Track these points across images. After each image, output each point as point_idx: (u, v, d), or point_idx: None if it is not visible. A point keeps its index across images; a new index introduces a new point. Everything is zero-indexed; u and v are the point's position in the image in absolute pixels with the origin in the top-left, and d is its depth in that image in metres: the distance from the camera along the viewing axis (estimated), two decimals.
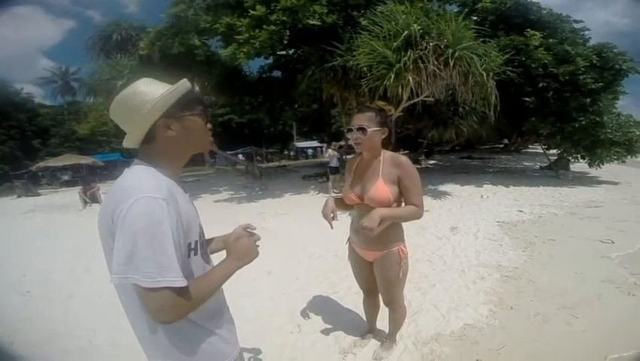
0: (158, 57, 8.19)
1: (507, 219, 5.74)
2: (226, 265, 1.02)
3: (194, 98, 1.02)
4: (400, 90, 5.75)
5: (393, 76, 5.45)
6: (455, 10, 8.77)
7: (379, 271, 1.81)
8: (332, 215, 1.67)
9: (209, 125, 1.04)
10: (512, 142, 18.58)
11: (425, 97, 7.00)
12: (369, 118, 1.64)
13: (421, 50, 5.60)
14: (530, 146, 18.63)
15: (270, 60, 12.19)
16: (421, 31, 5.74)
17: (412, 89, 6.14)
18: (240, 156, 19.24)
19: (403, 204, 1.69)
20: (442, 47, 5.71)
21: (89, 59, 11.19)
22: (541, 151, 12.82)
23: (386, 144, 1.72)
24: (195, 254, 0.98)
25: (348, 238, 1.94)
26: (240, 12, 7.74)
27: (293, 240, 5.04)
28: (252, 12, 7.24)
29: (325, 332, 2.41)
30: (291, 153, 30.77)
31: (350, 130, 1.67)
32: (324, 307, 2.79)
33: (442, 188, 8.98)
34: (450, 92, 7.37)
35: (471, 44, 5.98)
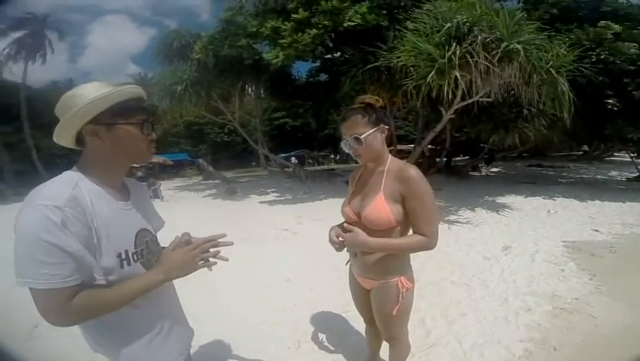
0: (213, 62, 8.75)
1: (577, 240, 4.86)
2: (149, 276, 0.97)
3: (134, 106, 0.98)
4: (446, 88, 5.22)
5: (434, 73, 4.96)
6: (519, 6, 7.85)
7: (375, 303, 1.53)
8: (338, 240, 1.39)
9: (153, 136, 1.02)
10: (593, 149, 16.11)
11: (481, 97, 6.33)
12: (357, 123, 1.33)
13: (469, 44, 5.02)
14: (616, 153, 15.99)
15: (318, 63, 12.29)
16: (467, 23, 5.16)
17: (463, 89, 5.58)
18: (293, 159, 19.63)
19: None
20: (494, 40, 5.05)
21: (156, 65, 12.45)
22: (629, 159, 10.88)
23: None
24: (129, 264, 0.95)
25: (349, 260, 1.64)
26: (285, 16, 7.88)
27: (320, 248, 4.86)
28: (294, 16, 7.29)
29: (324, 354, 2.20)
30: (341, 157, 30.60)
31: (346, 142, 1.37)
32: (330, 326, 2.56)
33: (501, 200, 8.05)
34: (512, 92, 6.56)
35: (531, 37, 5.20)
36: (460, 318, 2.66)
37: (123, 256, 0.94)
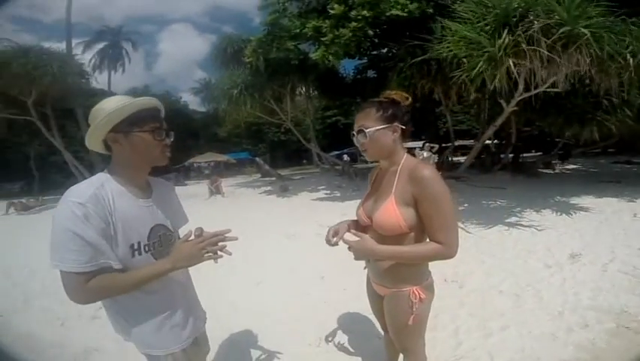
0: (263, 65, 9.17)
1: None
2: (158, 264, 1.08)
3: (147, 116, 1.11)
4: (500, 79, 4.74)
5: (484, 62, 4.52)
6: None
7: (386, 312, 1.45)
8: (334, 240, 1.37)
9: (167, 141, 1.15)
10: None
11: (547, 88, 5.65)
12: (369, 115, 1.27)
13: (524, 30, 4.47)
14: None
15: (365, 60, 12.09)
16: (519, 8, 4.59)
17: (526, 79, 5.03)
18: (345, 157, 19.63)
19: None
20: (554, 25, 4.41)
21: (214, 70, 13.46)
22: None
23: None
24: (140, 254, 1.08)
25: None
26: (325, 15, 7.90)
27: None
28: (331, 12, 7.26)
29: (342, 355, 2.21)
30: None
31: (353, 134, 1.32)
32: (355, 328, 2.56)
33: (576, 201, 7.08)
34: (586, 81, 5.73)
35: (600, 20, 4.43)
36: (500, 331, 2.45)
37: (135, 246, 1.08)
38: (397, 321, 1.39)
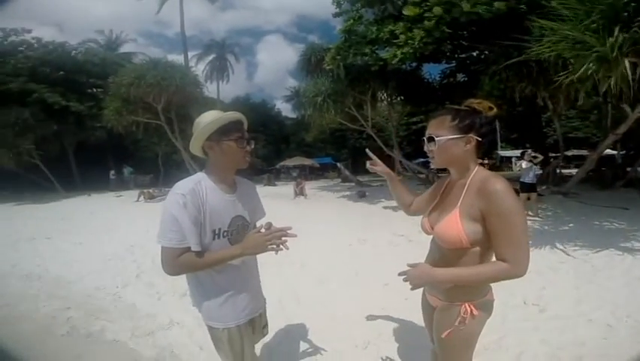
0: (343, 72, 9.43)
1: None
2: (230, 249, 1.32)
3: (233, 127, 1.37)
4: (614, 81, 3.95)
5: (592, 63, 3.81)
6: None
7: (435, 323, 1.39)
8: (374, 165, 1.53)
9: (248, 148, 1.38)
10: None
11: None
12: (442, 123, 1.22)
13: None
14: None
15: (453, 64, 11.38)
16: (632, 3, 3.70)
17: None
18: (431, 165, 18.63)
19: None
20: None
21: (301, 78, 14.18)
22: None
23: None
24: (219, 238, 1.33)
25: None
26: (401, 19, 7.78)
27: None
28: (405, 14, 7.05)
29: None
30: (492, 163, 26.78)
31: (423, 140, 1.29)
32: (406, 337, 2.53)
33: None
34: None
35: None
36: None
37: (217, 232, 1.32)
38: (442, 336, 1.32)
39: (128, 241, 6.27)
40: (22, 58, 18.48)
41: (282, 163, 28.61)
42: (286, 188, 16.01)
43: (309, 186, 15.87)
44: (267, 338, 2.42)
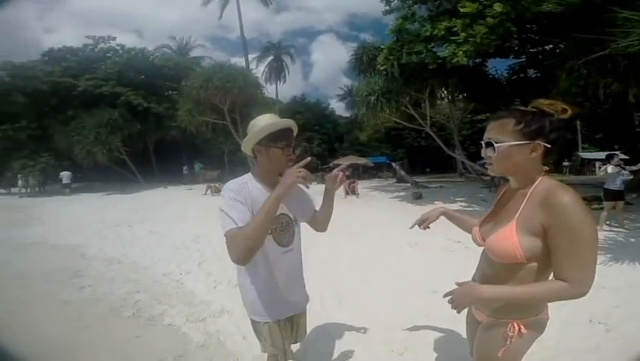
0: (398, 71, 9.18)
1: None
2: (270, 195, 1.32)
3: (280, 135, 1.45)
4: None
5: None
6: None
7: (477, 338, 1.32)
8: (424, 224, 1.49)
9: (293, 156, 1.45)
10: None
11: None
12: (504, 127, 1.08)
13: None
14: None
15: (523, 59, 10.35)
16: None
17: None
18: None
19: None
20: None
21: (354, 78, 14.11)
22: None
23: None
24: None
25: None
26: (457, 15, 7.31)
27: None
28: (462, 10, 6.58)
29: None
30: (572, 166, 23.77)
31: (481, 145, 1.16)
32: (446, 348, 2.43)
33: None
34: None
35: None
36: None
37: None
38: (485, 351, 1.27)
39: (194, 231, 6.86)
40: (110, 64, 21.15)
41: (335, 162, 28.80)
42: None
43: (362, 186, 15.77)
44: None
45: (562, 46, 7.13)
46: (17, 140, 18.72)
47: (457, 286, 1.19)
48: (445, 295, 1.18)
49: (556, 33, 6.83)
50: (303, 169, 1.34)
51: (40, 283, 4.10)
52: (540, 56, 9.29)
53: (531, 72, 10.94)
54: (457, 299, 1.14)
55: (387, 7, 9.72)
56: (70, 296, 3.70)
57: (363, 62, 13.04)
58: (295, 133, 1.51)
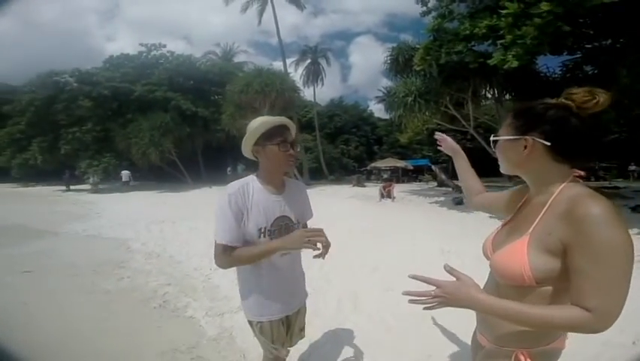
0: (436, 71, 8.80)
1: None
2: (271, 243, 1.39)
3: (275, 132, 1.44)
4: None
5: None
6: None
7: None
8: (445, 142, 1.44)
9: (291, 151, 1.43)
10: None
11: None
12: (508, 120, 0.99)
13: None
14: None
15: (578, 55, 9.42)
16: None
17: None
18: None
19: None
20: None
21: (389, 79, 13.77)
22: None
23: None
24: (264, 236, 1.41)
25: None
26: (499, 14, 6.79)
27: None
28: (504, 11, 6.07)
29: None
30: (636, 171, 21.08)
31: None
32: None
33: None
34: None
35: None
36: None
37: (262, 230, 1.40)
38: None
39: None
40: (162, 70, 22.85)
41: (373, 164, 28.39)
42: (375, 190, 15.89)
43: (400, 189, 15.36)
44: (314, 337, 2.54)
45: (622, 40, 6.37)
46: (84, 141, 20.94)
47: (449, 276, 0.97)
48: (427, 282, 0.95)
49: (614, 26, 6.12)
50: (312, 232, 1.33)
51: (87, 273, 4.51)
52: (597, 52, 8.39)
53: (587, 69, 9.92)
54: (445, 295, 0.91)
55: (424, 9, 9.44)
56: (110, 286, 4.03)
57: (399, 63, 12.74)
58: (293, 130, 1.50)
